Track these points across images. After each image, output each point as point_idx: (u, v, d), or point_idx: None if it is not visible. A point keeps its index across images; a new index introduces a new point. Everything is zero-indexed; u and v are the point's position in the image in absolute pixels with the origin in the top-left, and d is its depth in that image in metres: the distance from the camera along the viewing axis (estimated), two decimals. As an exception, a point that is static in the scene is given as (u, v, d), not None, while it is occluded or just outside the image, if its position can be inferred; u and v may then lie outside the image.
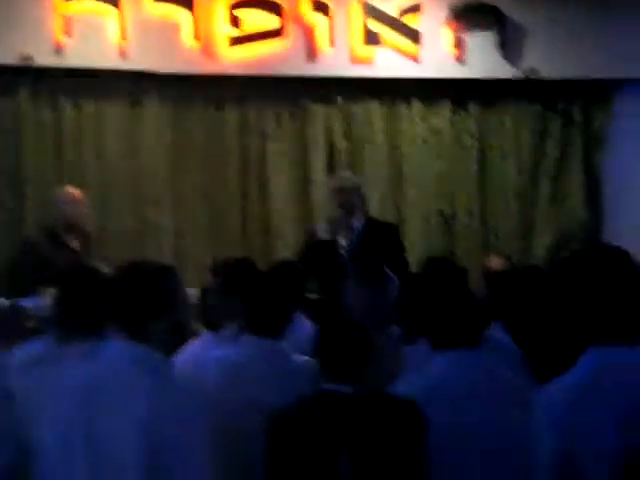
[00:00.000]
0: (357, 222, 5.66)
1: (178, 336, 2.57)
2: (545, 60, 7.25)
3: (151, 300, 2.54)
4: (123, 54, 6.76)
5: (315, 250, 5.53)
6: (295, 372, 3.35)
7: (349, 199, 5.68)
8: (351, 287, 3.79)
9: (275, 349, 3.43)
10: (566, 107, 7.48)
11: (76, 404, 2.54)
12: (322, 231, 5.67)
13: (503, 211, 7.40)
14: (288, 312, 3.52)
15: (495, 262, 5.64)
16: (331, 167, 7.23)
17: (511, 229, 7.34)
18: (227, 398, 3.28)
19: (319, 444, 2.75)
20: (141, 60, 6.83)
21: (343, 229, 5.62)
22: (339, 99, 7.26)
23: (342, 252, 5.53)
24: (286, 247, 7.09)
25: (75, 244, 5.84)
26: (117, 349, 2.59)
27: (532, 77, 7.26)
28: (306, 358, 3.36)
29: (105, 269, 5.51)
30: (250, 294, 3.46)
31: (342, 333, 2.98)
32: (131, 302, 2.55)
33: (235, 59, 7.02)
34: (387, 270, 3.87)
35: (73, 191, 6.01)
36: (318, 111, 7.25)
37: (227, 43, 6.96)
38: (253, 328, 3.41)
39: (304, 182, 7.23)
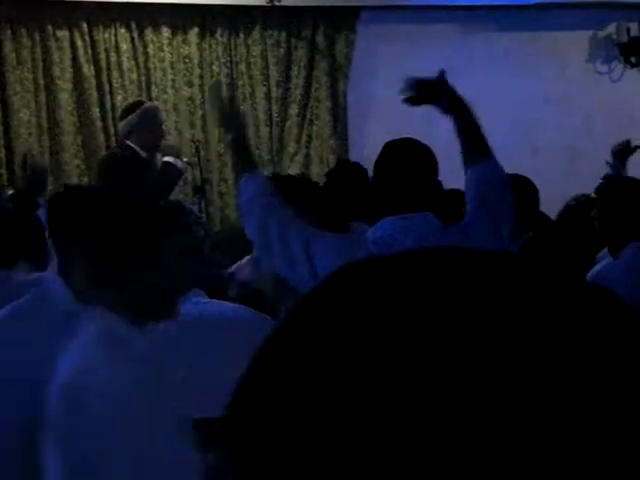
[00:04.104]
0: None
1: None
2: (289, -13, 7.36)
3: None
4: None
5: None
6: None
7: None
8: None
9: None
10: (310, 35, 7.65)
11: None
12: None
13: (254, 137, 7.50)
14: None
15: None
16: (78, 94, 7.04)
17: (263, 154, 7.47)
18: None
19: None
20: None
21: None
22: (84, 24, 7.04)
23: None
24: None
25: None
26: None
27: (277, 4, 7.34)
28: None
29: None
30: None
31: None
32: None
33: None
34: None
35: None
36: (62, 36, 7.00)
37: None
38: None
39: (50, 110, 6.98)
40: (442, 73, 2.96)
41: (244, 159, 2.89)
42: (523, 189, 4.23)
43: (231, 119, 2.98)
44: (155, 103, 6.19)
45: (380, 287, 0.48)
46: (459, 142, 2.90)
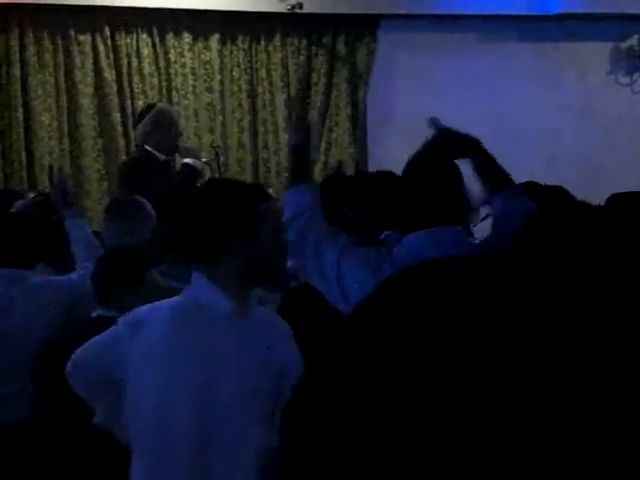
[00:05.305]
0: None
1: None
2: (310, -6, 7.38)
3: None
4: None
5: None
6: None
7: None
8: (104, 221, 3.85)
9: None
10: (331, 42, 7.66)
11: None
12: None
13: (274, 143, 7.52)
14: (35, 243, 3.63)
15: None
16: (99, 98, 7.08)
17: (282, 161, 7.48)
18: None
19: None
20: None
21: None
22: (106, 29, 7.09)
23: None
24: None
25: None
26: None
27: (297, 11, 7.37)
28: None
29: None
30: None
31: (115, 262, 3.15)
32: None
33: (-7, -14, 6.67)
34: (141, 204, 3.85)
35: None
36: (84, 41, 7.05)
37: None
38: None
39: (71, 114, 7.03)
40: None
41: (301, 170, 2.81)
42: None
43: (301, 127, 2.87)
44: (170, 106, 6.20)
45: (445, 291, 0.50)
46: (481, 179, 2.86)
